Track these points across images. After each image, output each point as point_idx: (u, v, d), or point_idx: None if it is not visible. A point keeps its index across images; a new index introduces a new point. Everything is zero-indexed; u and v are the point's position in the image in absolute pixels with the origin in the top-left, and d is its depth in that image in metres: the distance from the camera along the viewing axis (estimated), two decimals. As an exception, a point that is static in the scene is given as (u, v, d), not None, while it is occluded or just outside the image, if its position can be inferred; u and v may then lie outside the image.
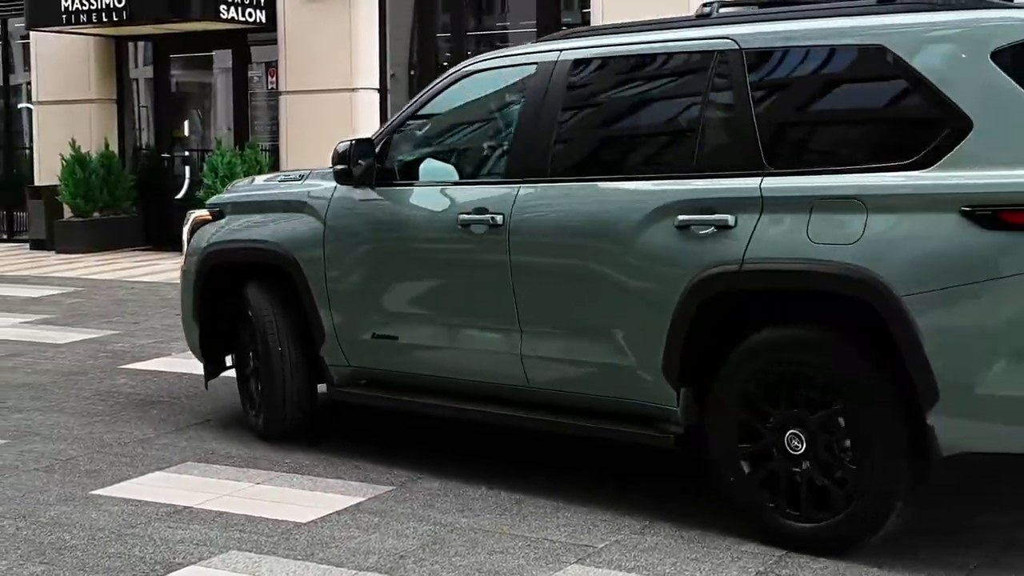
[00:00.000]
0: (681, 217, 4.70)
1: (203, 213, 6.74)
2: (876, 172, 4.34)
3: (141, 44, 16.66)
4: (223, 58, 16.05)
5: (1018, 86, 4.14)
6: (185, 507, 5.22)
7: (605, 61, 5.27)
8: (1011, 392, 4.08)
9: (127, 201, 16.03)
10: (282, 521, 5.02)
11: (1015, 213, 4.01)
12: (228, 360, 6.76)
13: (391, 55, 14.64)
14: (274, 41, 14.89)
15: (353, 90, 14.01)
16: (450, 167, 5.82)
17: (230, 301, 6.48)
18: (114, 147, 16.11)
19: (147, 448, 6.21)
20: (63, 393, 7.54)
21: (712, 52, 4.83)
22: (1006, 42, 4.20)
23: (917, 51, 4.36)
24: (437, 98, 5.87)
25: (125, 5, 14.19)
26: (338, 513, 5.12)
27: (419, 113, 5.95)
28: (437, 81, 5.95)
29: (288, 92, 14.65)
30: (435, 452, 6.06)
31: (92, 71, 16.22)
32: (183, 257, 6.77)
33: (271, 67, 15.35)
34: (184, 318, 6.76)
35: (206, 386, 6.92)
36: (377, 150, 5.81)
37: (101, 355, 8.80)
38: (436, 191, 5.67)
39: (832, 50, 4.61)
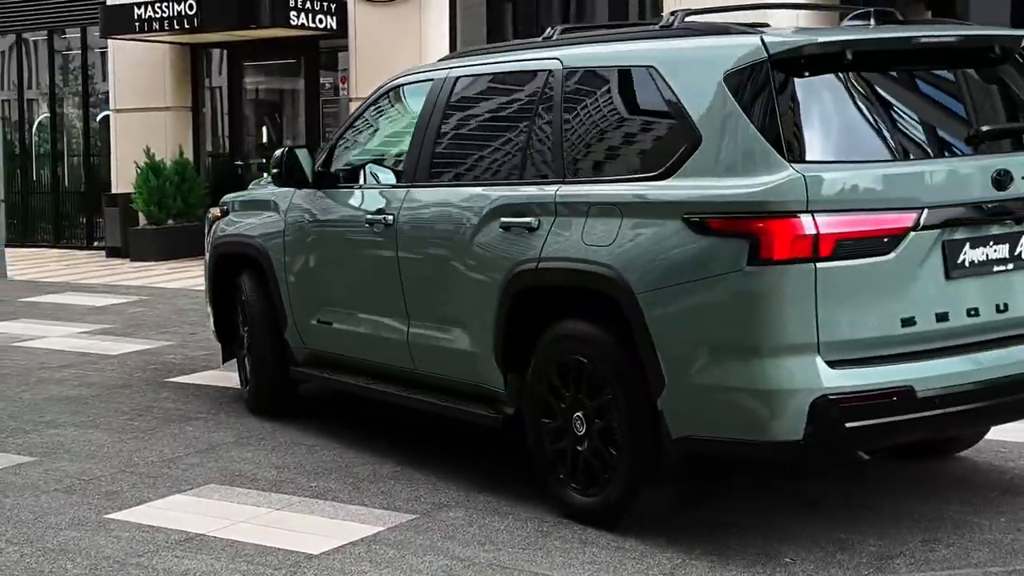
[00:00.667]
0: (503, 219, 5.26)
1: (215, 210, 7.55)
2: (634, 182, 4.79)
3: (218, 52, 16.68)
4: (296, 64, 15.98)
5: (737, 105, 4.47)
6: (197, 535, 4.99)
7: (473, 80, 5.83)
8: (716, 382, 4.40)
9: (200, 208, 16.01)
10: (293, 552, 4.77)
11: (717, 220, 4.39)
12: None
13: (462, 60, 14.43)
14: (346, 47, 14.79)
15: (422, 96, 13.79)
16: (385, 172, 6.45)
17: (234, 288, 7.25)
18: (189, 155, 16.14)
19: (173, 468, 6.01)
20: (103, 407, 7.40)
21: (543, 72, 5.34)
22: (735, 66, 4.53)
23: (674, 73, 4.75)
24: (368, 111, 6.59)
25: (196, 13, 14.18)
26: (353, 544, 4.85)
27: (354, 124, 6.65)
28: (369, 96, 6.66)
29: (359, 98, 14.50)
30: (469, 465, 5.78)
31: (168, 79, 16.27)
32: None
33: (343, 73, 15.24)
34: (207, 304, 7.63)
35: (221, 364, 7.83)
36: (324, 157, 6.59)
37: (151, 367, 8.67)
38: (355, 193, 6.39)
39: (621, 71, 5.06)
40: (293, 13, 14.03)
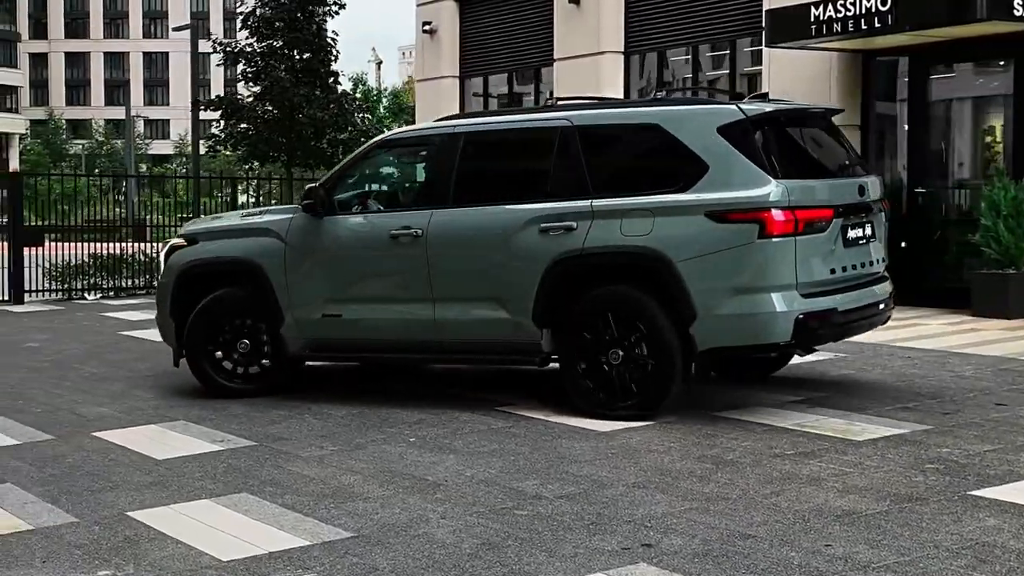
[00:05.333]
0: (543, 224, 7.80)
1: (178, 241, 9.28)
2: (658, 195, 7.50)
3: (892, 60, 14.19)
4: (1003, 69, 13.09)
5: (731, 147, 7.35)
6: None
7: (490, 132, 8.50)
8: (737, 311, 7.27)
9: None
10: None
11: (735, 213, 7.23)
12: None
13: None
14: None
15: None
16: (397, 200, 9.40)
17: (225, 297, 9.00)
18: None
19: None
20: (909, 538, 5.10)
21: (557, 127, 8.01)
22: (724, 122, 7.43)
23: (677, 126, 7.55)
24: (360, 161, 8.93)
25: (890, 9, 11.81)
26: None
27: (348, 171, 8.88)
28: (357, 151, 9.10)
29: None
30: None
31: (833, 92, 14.05)
32: (162, 272, 9.34)
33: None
34: (161, 319, 9.21)
35: (176, 364, 9.12)
36: (324, 193, 8.65)
37: (929, 467, 6.31)
38: (370, 217, 8.64)
39: (628, 126, 7.92)
40: (1018, 2, 11.24)
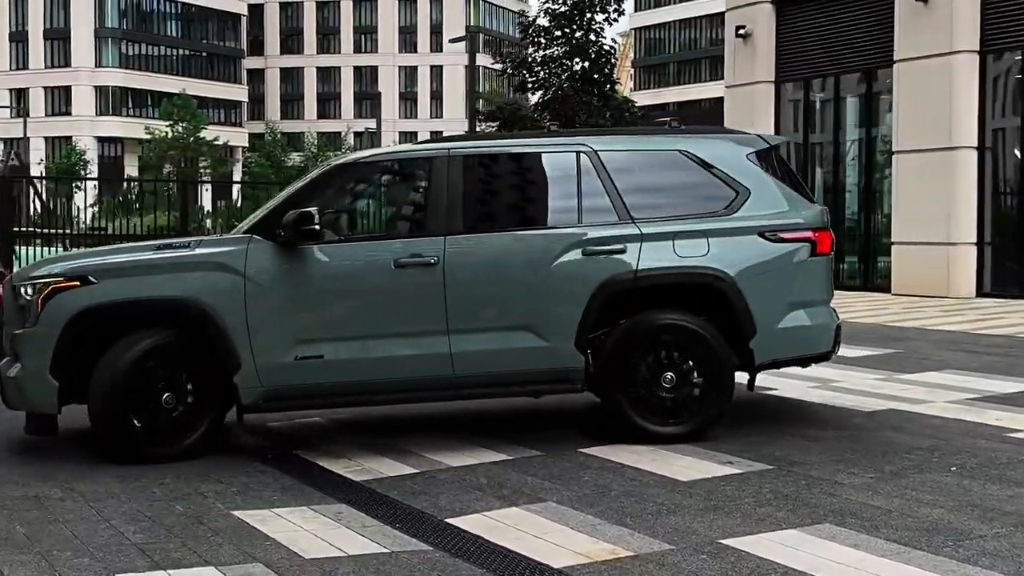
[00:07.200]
0: (588, 248, 7.52)
1: (60, 281, 7.30)
2: (707, 217, 7.67)
3: None
4: None
5: (764, 172, 7.83)
6: None
7: (497, 155, 8.03)
8: (794, 324, 7.66)
9: None
10: None
11: (787, 233, 7.68)
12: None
13: None
14: None
15: None
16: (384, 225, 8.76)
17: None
18: None
19: None
20: None
21: (575, 152, 7.81)
22: (753, 150, 7.92)
23: (707, 154, 7.83)
24: (320, 187, 7.79)
25: None
26: None
27: (306, 197, 7.59)
28: (315, 176, 7.89)
29: None
30: None
31: None
32: (38, 319, 7.28)
33: None
34: (30, 378, 7.27)
35: (50, 433, 7.64)
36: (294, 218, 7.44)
37: None
38: (362, 244, 7.74)
39: (654, 153, 7.95)
40: None
